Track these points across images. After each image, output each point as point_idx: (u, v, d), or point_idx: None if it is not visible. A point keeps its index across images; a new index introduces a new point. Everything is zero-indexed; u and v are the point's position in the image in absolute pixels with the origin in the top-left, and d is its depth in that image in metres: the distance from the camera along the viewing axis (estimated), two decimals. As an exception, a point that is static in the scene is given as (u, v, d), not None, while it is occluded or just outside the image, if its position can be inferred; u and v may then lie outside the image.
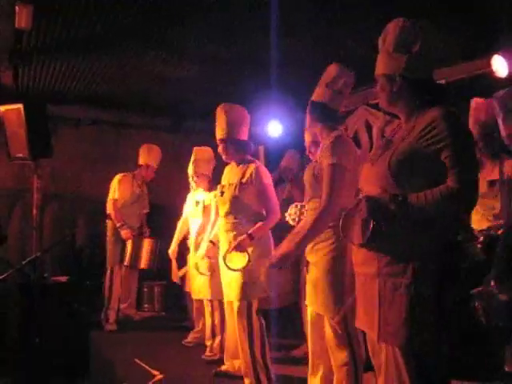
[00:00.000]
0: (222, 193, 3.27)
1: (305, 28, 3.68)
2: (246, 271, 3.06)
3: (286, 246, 2.46)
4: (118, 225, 4.97)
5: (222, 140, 3.29)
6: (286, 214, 3.12)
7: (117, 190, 5.08)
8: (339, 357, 2.44)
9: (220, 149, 3.32)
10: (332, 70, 2.55)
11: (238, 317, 3.12)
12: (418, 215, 1.63)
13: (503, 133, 2.66)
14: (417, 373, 1.63)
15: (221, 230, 3.30)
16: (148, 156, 5.20)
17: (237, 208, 3.17)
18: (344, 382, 2.43)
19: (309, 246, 2.51)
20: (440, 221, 1.66)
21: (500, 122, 2.67)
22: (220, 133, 3.29)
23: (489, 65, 3.75)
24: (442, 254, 1.65)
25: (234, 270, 3.11)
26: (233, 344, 3.48)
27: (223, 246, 3.23)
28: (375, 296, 1.72)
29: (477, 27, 3.59)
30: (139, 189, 5.25)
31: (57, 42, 3.89)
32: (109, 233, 5.07)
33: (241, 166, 3.28)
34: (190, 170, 4.13)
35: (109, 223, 5.09)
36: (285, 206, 4.04)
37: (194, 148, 4.20)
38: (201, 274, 3.91)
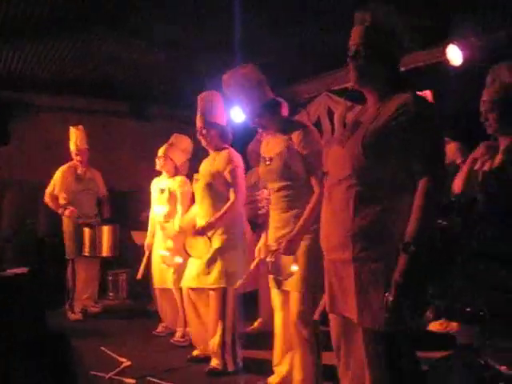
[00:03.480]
0: (197, 180, 3.34)
1: (267, 13, 3.70)
2: (223, 258, 3.14)
3: None
4: (59, 211, 4.87)
5: (201, 127, 3.31)
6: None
7: (58, 182, 4.93)
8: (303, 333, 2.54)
9: (199, 135, 3.34)
10: (248, 74, 2.72)
11: (212, 302, 3.19)
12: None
13: None
14: (390, 354, 1.68)
15: (198, 217, 3.38)
16: (74, 140, 5.00)
17: (211, 195, 3.24)
18: (305, 356, 2.54)
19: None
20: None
21: None
22: (200, 120, 3.32)
23: (444, 53, 3.88)
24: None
25: (194, 257, 3.19)
26: (195, 331, 3.51)
27: None
28: (352, 281, 1.73)
29: (433, 17, 3.69)
30: (84, 175, 5.08)
31: (13, 25, 3.77)
32: (64, 225, 4.95)
33: (215, 152, 3.34)
34: (160, 151, 4.13)
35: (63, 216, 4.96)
36: (255, 190, 4.08)
37: (174, 134, 4.21)
38: (168, 266, 3.92)
